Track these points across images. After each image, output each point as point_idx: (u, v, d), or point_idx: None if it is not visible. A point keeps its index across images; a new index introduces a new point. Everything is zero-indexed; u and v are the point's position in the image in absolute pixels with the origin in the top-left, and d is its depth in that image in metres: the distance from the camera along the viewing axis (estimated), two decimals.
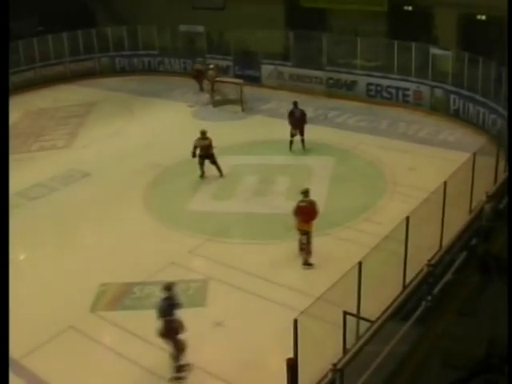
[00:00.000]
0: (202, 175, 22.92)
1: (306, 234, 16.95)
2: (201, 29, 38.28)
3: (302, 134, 25.08)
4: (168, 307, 12.83)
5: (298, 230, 17.17)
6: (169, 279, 16.44)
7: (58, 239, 19.60)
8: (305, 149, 25.15)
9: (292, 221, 17.23)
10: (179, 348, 12.97)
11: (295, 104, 25.47)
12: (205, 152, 22.68)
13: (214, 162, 22.89)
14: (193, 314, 15.17)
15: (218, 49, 38.85)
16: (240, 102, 30.87)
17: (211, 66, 33.41)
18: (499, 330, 6.36)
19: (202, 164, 22.81)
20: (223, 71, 36.63)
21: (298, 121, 25.05)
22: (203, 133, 22.81)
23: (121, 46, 40.41)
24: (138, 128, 29.34)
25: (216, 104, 31.19)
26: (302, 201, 17.09)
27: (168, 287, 13.09)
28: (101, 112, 32.01)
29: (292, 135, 24.98)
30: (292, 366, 10.43)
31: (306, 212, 16.91)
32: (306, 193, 17.19)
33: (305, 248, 16.97)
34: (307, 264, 16.92)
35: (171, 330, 12.78)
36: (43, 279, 17.01)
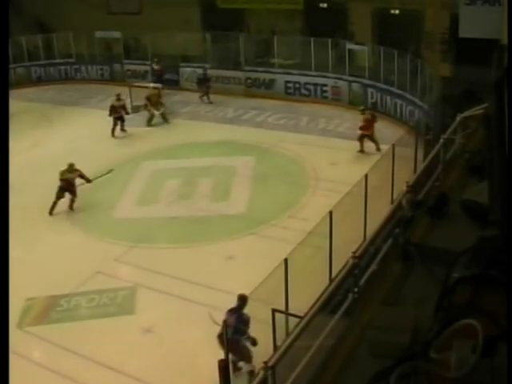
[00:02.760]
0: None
1: None
2: (117, 34, 37.88)
3: None
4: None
5: None
6: (95, 289, 16.38)
7: None
8: None
9: None
10: None
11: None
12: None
13: None
14: (122, 322, 15.10)
15: (135, 54, 38.62)
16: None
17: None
18: (422, 317, 6.43)
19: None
20: (141, 76, 36.55)
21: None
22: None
23: (36, 55, 39.73)
24: (57, 138, 28.82)
25: (135, 110, 30.86)
26: None
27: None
28: (19, 124, 31.19)
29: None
30: (224, 368, 10.43)
31: None
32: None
33: None
34: None
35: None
36: None
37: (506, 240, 4.99)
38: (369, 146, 23.87)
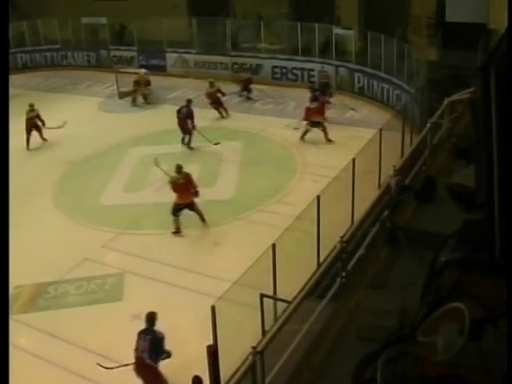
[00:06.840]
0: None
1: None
2: (103, 20, 37.68)
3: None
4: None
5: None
6: (83, 276, 16.35)
7: None
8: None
9: None
10: None
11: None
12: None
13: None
14: (111, 309, 15.10)
15: (121, 40, 38.43)
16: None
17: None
18: (410, 300, 6.44)
19: None
20: (128, 62, 36.41)
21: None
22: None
23: (22, 41, 39.46)
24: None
25: (122, 96, 30.78)
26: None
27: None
28: None
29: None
30: (212, 353, 10.39)
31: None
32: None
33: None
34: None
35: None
36: None
37: (491, 223, 5.00)
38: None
